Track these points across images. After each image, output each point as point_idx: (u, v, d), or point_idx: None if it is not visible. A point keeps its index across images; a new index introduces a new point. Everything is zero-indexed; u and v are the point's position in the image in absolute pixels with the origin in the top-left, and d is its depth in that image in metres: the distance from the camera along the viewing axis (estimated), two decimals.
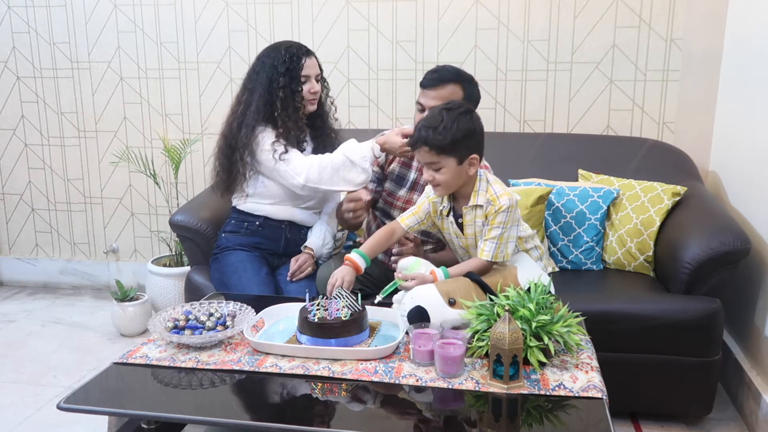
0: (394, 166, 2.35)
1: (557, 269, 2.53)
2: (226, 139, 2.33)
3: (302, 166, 2.25)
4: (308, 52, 2.32)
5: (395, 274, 1.88)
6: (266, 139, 2.27)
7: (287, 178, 2.27)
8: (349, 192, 2.30)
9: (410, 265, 1.87)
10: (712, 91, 2.71)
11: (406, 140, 2.15)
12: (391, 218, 2.33)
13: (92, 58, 3.36)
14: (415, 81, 3.06)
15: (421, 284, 1.81)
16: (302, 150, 2.35)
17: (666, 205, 2.42)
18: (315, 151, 2.38)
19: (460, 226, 1.95)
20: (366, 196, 2.22)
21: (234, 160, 2.30)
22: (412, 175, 2.33)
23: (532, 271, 1.89)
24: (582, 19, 2.92)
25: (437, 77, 2.14)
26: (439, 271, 1.85)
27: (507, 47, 3.00)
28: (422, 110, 2.14)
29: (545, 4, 2.93)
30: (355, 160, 2.22)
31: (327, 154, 2.29)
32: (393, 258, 2.26)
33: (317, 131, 2.42)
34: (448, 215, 1.96)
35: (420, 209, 2.01)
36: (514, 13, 2.96)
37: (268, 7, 3.15)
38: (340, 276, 1.93)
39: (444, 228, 2.01)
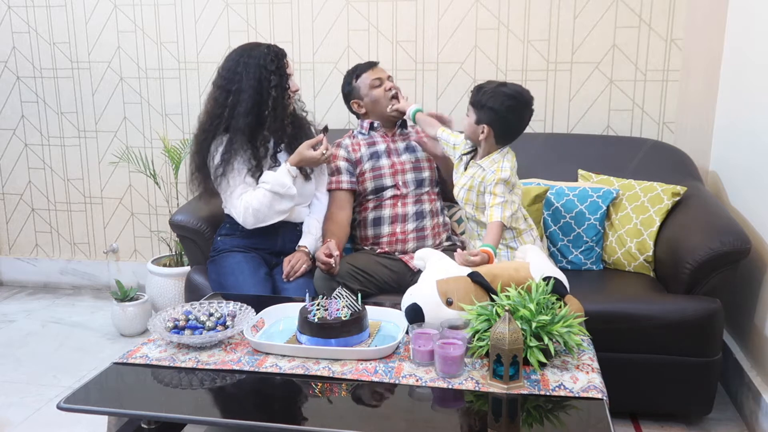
0: (361, 152, 2.47)
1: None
2: (200, 148, 2.35)
3: (240, 209, 2.32)
4: (284, 53, 2.39)
5: (422, 259, 1.98)
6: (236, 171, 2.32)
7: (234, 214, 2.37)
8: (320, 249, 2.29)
9: (426, 254, 1.98)
10: (712, 91, 2.71)
11: (319, 151, 2.30)
12: (385, 189, 2.44)
13: (92, 58, 3.36)
14: (415, 81, 3.07)
15: (481, 263, 1.92)
16: (279, 150, 2.40)
17: (666, 205, 2.42)
18: (291, 144, 2.40)
19: (465, 167, 2.26)
20: (335, 251, 2.21)
21: (207, 172, 2.36)
22: (382, 146, 2.49)
23: (546, 267, 1.89)
24: (582, 19, 2.92)
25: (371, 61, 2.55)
26: (490, 249, 1.99)
27: (507, 47, 2.99)
28: (381, 84, 2.46)
29: (545, 4, 2.93)
30: (280, 191, 2.31)
31: (253, 195, 2.31)
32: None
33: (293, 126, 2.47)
34: (466, 154, 2.28)
35: (458, 138, 2.31)
36: (514, 13, 2.96)
37: (268, 7, 3.15)
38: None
39: (455, 163, 2.32)
